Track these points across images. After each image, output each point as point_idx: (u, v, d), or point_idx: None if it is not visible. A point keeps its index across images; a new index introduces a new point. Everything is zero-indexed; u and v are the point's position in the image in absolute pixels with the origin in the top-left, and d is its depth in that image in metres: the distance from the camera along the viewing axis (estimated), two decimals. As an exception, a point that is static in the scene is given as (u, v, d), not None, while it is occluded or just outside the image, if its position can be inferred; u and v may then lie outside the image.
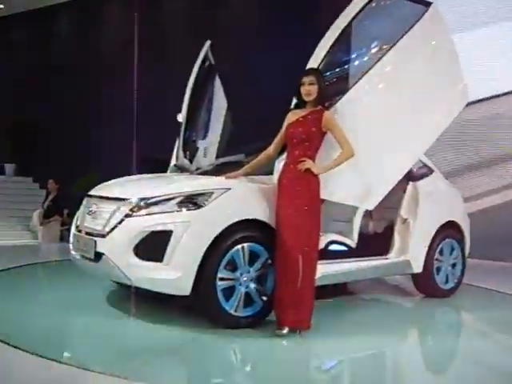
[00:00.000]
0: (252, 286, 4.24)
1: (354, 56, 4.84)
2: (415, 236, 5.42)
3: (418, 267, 5.44)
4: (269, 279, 4.29)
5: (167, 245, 3.99)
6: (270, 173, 4.41)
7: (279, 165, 4.35)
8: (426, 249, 5.51)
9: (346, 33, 4.48)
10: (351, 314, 5.11)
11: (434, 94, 4.75)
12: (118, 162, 10.80)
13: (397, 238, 5.43)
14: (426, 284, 5.67)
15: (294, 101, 4.42)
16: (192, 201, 4.14)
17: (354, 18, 4.48)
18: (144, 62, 11.48)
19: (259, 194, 4.33)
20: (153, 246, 4.01)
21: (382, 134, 4.55)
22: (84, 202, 4.84)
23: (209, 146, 6.41)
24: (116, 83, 12.20)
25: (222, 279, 4.11)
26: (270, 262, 4.27)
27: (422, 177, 5.66)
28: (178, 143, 5.98)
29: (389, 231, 5.52)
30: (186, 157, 5.98)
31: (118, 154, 11.57)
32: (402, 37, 4.59)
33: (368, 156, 4.42)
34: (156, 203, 4.15)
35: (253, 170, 4.53)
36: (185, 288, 4.04)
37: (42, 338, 4.00)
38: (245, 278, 4.20)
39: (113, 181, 5.13)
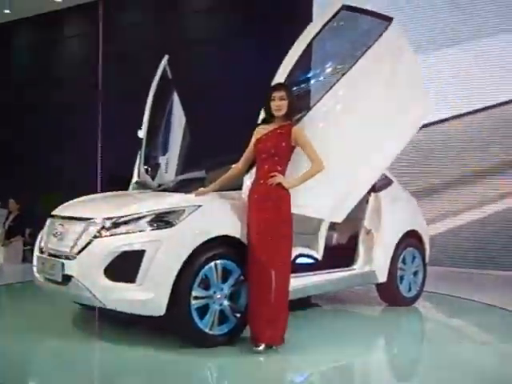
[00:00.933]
0: (225, 303, 4.06)
1: (316, 72, 4.86)
2: (379, 246, 5.36)
3: (382, 277, 5.40)
4: (242, 296, 4.12)
5: (139, 265, 3.77)
6: (239, 188, 4.28)
7: (249, 180, 4.23)
8: (390, 258, 5.49)
9: (308, 50, 4.43)
10: (318, 326, 4.97)
11: (396, 107, 4.70)
12: (80, 181, 10.56)
13: (361, 248, 5.35)
14: (390, 293, 5.62)
15: (262, 115, 4.30)
16: (163, 219, 3.94)
17: (317, 34, 4.46)
18: (106, 77, 11.32)
19: (230, 210, 4.17)
20: (124, 267, 3.78)
21: (348, 147, 4.47)
22: (47, 222, 4.55)
23: (169, 162, 6.33)
24: (78, 99, 11.98)
25: (196, 298, 3.91)
26: (242, 278, 4.11)
27: (383, 187, 5.62)
28: (140, 160, 5.78)
29: (353, 242, 5.44)
30: (147, 173, 5.85)
31: (79, 172, 11.33)
32: (363, 54, 4.56)
33: (335, 170, 4.31)
34: (126, 222, 3.93)
35: (222, 186, 4.35)
36: (159, 308, 3.82)
37: (8, 366, 3.71)
38: (218, 296, 4.02)
39: (77, 200, 4.86)
